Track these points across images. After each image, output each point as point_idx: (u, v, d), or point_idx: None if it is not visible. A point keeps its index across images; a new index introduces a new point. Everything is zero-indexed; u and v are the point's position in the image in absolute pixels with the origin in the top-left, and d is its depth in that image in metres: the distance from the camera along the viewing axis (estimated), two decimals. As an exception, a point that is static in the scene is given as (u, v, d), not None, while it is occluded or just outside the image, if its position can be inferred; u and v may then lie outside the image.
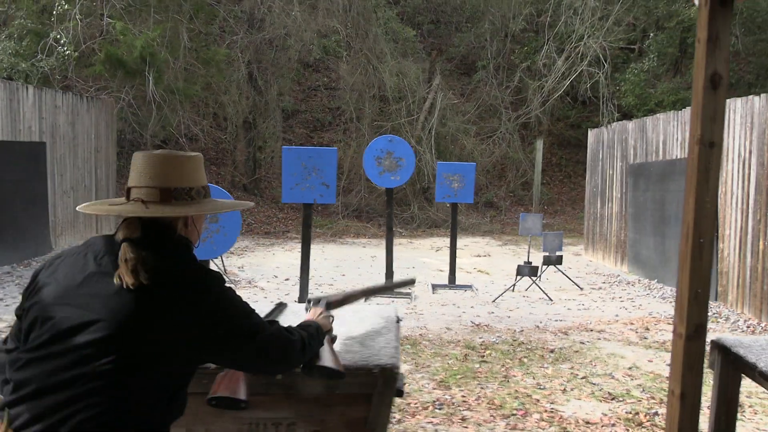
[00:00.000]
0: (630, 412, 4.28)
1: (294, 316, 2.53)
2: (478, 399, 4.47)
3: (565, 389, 4.74)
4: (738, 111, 7.25)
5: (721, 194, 7.56)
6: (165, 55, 12.88)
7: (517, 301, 8.10)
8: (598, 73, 16.58)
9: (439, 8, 21.32)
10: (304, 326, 1.87)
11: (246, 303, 1.69)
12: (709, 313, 7.19)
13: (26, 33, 12.32)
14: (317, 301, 2.16)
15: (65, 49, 11.87)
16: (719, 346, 2.68)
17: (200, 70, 14.48)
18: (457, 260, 9.29)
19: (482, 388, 4.72)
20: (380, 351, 2.08)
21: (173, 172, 1.66)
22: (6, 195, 9.26)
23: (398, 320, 2.50)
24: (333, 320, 2.05)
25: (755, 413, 4.36)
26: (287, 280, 9.22)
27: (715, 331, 6.62)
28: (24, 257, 9.48)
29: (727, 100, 7.45)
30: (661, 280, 9.10)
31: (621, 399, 4.57)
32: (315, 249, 12.37)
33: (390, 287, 2.51)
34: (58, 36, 11.94)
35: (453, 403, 4.38)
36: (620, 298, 8.50)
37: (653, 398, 4.58)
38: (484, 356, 5.57)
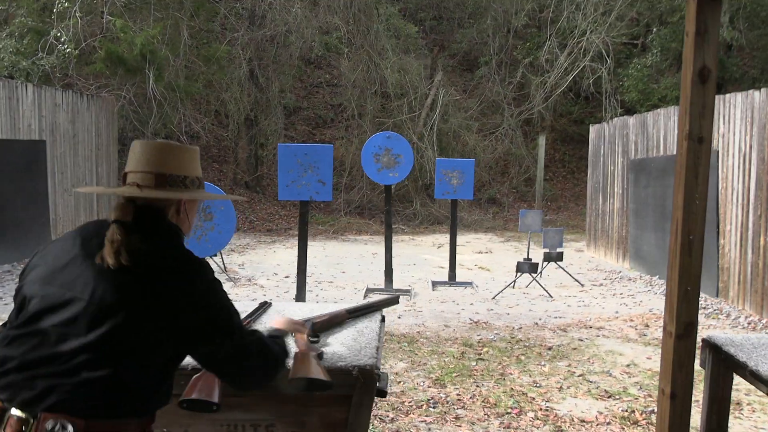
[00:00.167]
0: (626, 410, 4.25)
1: (278, 315, 2.50)
2: (473, 397, 4.44)
3: (561, 387, 4.71)
4: (738, 106, 7.19)
5: (721, 190, 7.51)
6: (165, 52, 12.87)
7: (517, 298, 8.06)
8: (600, 69, 16.49)
9: (441, 4, 21.25)
10: (276, 337, 1.86)
11: (231, 303, 1.68)
12: (710, 310, 7.18)
13: (27, 31, 12.33)
14: (302, 324, 2.17)
15: (66, 47, 11.88)
16: (710, 345, 2.64)
17: (201, 67, 14.47)
18: (459, 257, 9.27)
19: (477, 386, 4.69)
20: (360, 351, 2.05)
21: (169, 160, 1.72)
22: (6, 193, 9.26)
23: (382, 319, 2.47)
24: (318, 341, 2.06)
25: (753, 411, 4.31)
26: (287, 277, 9.20)
27: (715, 328, 6.58)
28: (24, 256, 9.48)
29: (727, 95, 7.40)
30: (662, 277, 9.05)
31: (617, 397, 4.53)
32: (316, 246, 12.37)
33: (374, 306, 2.52)
34: (59, 34, 11.94)
35: (447, 402, 4.35)
36: (621, 294, 8.45)
37: (650, 396, 4.54)
38: (481, 354, 5.54)
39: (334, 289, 8.60)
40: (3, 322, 1.72)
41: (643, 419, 4.10)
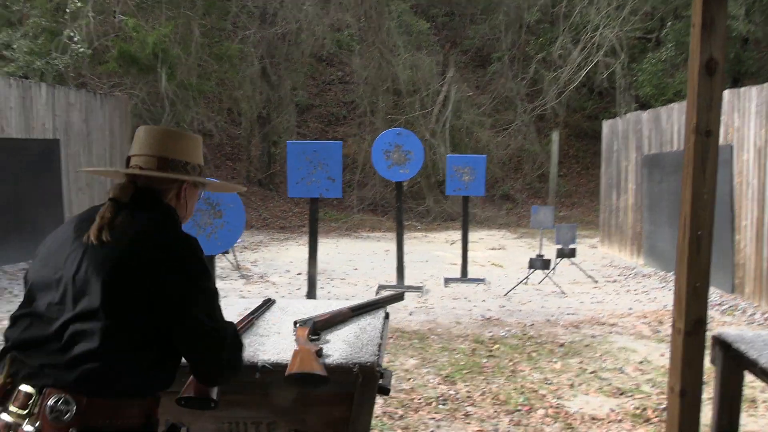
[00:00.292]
0: (638, 408, 4.20)
1: (282, 313, 2.50)
2: (483, 394, 4.42)
3: (572, 384, 4.67)
4: (753, 100, 7.08)
5: (737, 185, 7.41)
6: (177, 51, 12.92)
7: (529, 295, 8.01)
8: (614, 64, 16.35)
9: (453, 0, 21.16)
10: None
11: (215, 285, 1.70)
12: (726, 306, 7.10)
13: (41, 31, 12.42)
14: (304, 322, 2.17)
15: (79, 46, 11.96)
16: (720, 342, 2.60)
17: (213, 65, 14.52)
18: (472, 253, 9.22)
19: (488, 383, 4.66)
20: (362, 348, 2.04)
21: (172, 145, 1.77)
22: (21, 192, 9.34)
23: (386, 316, 2.46)
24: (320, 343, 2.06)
25: (768, 409, 4.26)
26: (299, 274, 9.21)
27: (731, 324, 6.50)
28: (39, 254, 9.56)
29: (742, 89, 7.31)
30: (677, 273, 8.95)
31: (630, 394, 4.49)
32: (329, 243, 12.38)
33: (378, 303, 2.50)
34: (72, 34, 12.02)
35: (457, 399, 4.33)
36: (635, 291, 8.37)
37: (663, 393, 4.49)
38: (492, 351, 5.51)
39: (347, 286, 8.60)
40: None
41: (655, 417, 4.06)
